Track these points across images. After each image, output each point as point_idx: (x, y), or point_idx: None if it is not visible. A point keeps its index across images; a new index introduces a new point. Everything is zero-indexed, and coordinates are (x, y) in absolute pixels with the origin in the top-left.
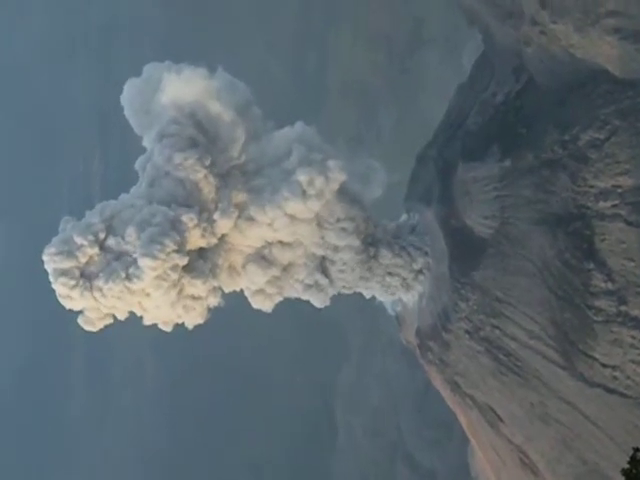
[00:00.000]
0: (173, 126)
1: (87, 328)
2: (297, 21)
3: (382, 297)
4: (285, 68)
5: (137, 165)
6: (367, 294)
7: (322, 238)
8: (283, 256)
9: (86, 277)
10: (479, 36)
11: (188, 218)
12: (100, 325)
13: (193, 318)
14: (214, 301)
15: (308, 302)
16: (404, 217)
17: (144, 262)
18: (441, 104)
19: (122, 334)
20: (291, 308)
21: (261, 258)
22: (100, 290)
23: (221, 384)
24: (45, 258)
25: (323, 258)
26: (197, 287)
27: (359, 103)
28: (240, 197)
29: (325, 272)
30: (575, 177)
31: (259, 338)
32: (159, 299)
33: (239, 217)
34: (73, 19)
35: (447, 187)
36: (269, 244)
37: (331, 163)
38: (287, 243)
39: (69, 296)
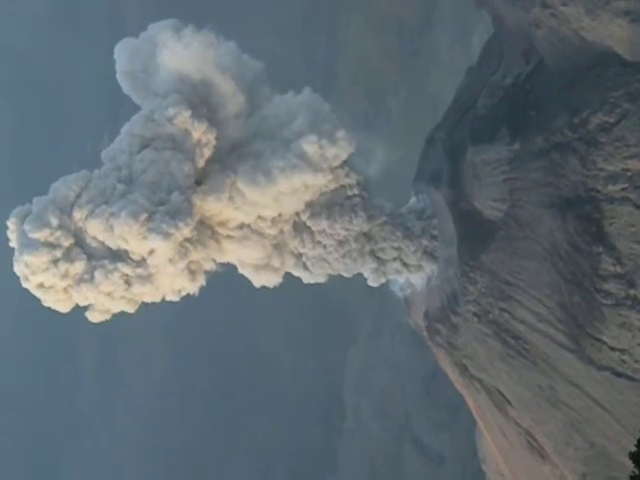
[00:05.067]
0: (193, 92)
1: (98, 320)
2: (307, 4)
3: (376, 279)
4: (295, 52)
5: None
6: (365, 273)
7: (323, 209)
8: (276, 231)
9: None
10: (489, 18)
11: (199, 199)
12: (113, 312)
13: (196, 284)
14: (211, 265)
15: (315, 284)
16: (413, 199)
17: (158, 240)
18: (450, 86)
19: (132, 321)
20: (300, 291)
21: (251, 232)
22: (99, 282)
23: (229, 368)
24: (12, 225)
25: (321, 232)
26: (199, 252)
27: (369, 86)
28: (232, 176)
29: (321, 247)
30: (585, 160)
31: (268, 321)
32: (173, 271)
33: (231, 198)
34: None
35: (456, 170)
36: (260, 218)
37: (340, 134)
38: (279, 217)
39: (59, 292)
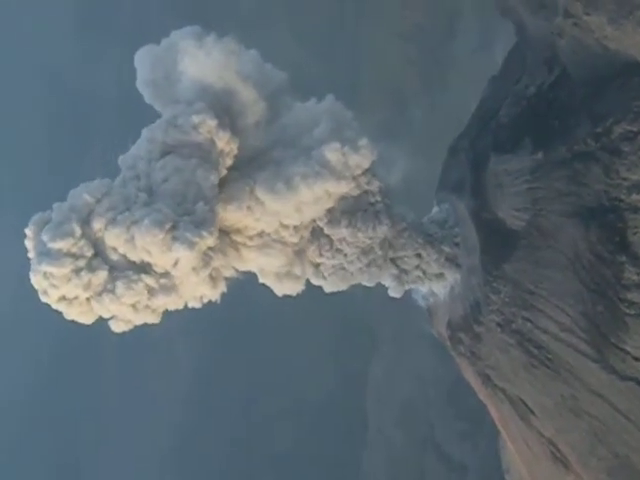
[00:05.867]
0: (215, 100)
1: (121, 329)
2: (329, 13)
3: (398, 288)
4: (317, 60)
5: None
6: (386, 282)
7: (344, 217)
8: (298, 238)
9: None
10: (511, 28)
11: (221, 208)
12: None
13: (217, 291)
14: (231, 272)
15: (337, 293)
16: (435, 209)
17: (182, 249)
18: (473, 96)
19: (155, 330)
20: (321, 300)
21: (272, 240)
22: (121, 294)
23: (249, 375)
24: (31, 232)
25: (341, 240)
26: (220, 260)
27: (391, 94)
28: (252, 184)
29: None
30: (608, 170)
31: (289, 329)
32: (196, 280)
33: (249, 208)
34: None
35: (479, 179)
36: (281, 226)
37: (362, 142)
38: (300, 225)
39: (82, 303)
